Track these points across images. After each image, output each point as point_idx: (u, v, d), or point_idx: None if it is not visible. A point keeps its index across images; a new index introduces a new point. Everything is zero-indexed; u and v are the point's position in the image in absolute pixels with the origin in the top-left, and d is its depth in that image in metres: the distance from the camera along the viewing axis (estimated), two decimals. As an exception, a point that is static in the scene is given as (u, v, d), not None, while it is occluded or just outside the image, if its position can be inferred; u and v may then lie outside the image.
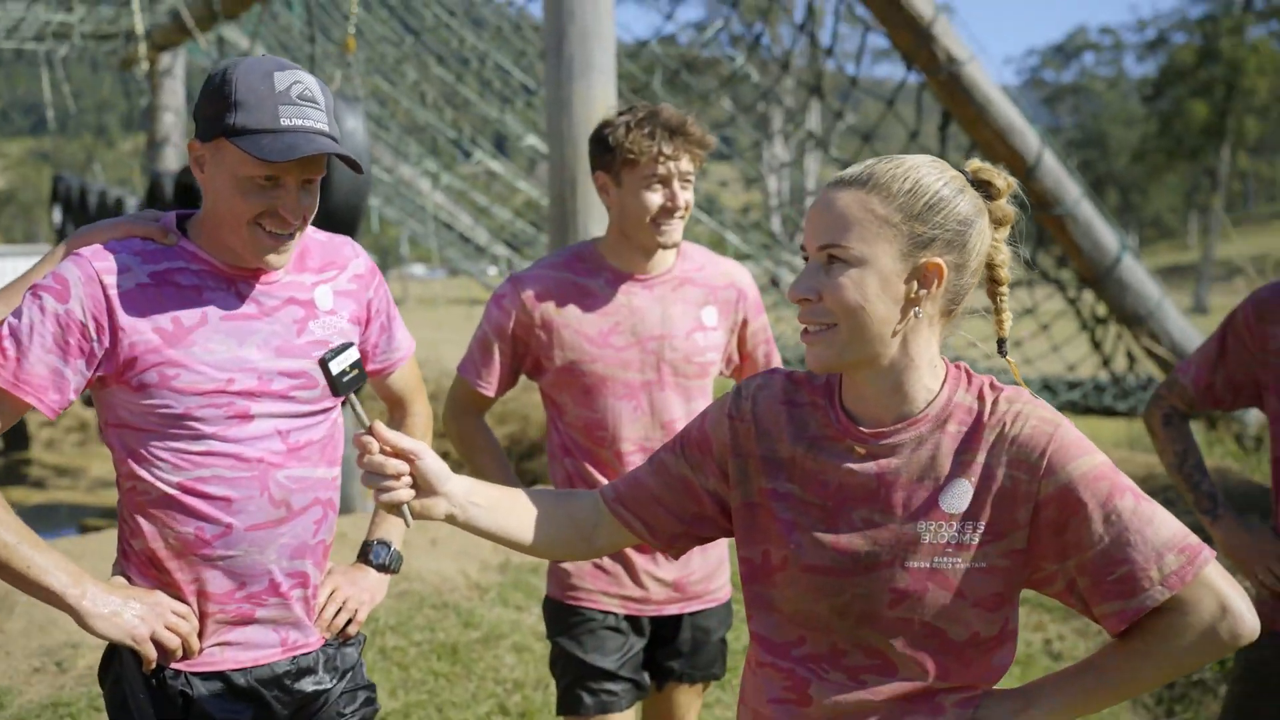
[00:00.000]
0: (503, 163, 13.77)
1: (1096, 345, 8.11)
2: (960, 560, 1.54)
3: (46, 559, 1.89)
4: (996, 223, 1.60)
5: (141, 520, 2.00)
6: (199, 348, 1.95)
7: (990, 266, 1.61)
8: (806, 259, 1.58)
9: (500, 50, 12.63)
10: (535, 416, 11.55)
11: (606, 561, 2.64)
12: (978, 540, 1.54)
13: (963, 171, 1.60)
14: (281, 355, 2.01)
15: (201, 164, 1.98)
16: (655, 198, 2.56)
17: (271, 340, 2.01)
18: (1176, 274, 40.89)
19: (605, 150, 2.59)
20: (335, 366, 1.64)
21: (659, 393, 2.63)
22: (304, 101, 1.92)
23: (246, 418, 1.99)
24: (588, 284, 2.65)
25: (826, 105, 9.22)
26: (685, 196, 2.59)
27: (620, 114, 2.60)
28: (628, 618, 2.67)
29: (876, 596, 1.55)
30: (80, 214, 10.96)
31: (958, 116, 6.70)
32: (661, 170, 2.54)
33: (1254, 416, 7.77)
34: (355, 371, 1.66)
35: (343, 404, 2.11)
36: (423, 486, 1.64)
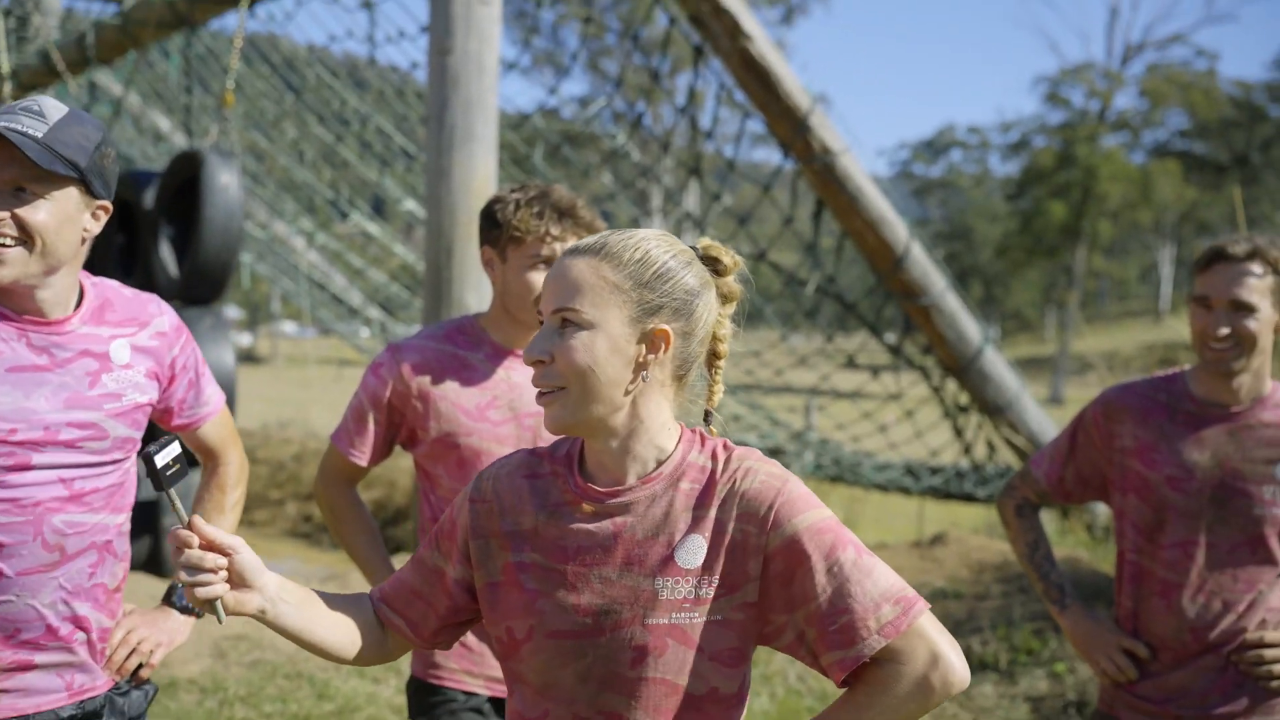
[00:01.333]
0: (380, 225, 13.66)
1: (958, 433, 8.35)
2: (697, 614, 1.59)
3: None
4: (723, 298, 1.69)
5: None
6: None
7: (714, 339, 1.69)
8: (542, 323, 1.64)
9: (382, 113, 12.58)
10: (402, 482, 11.37)
11: (471, 640, 2.59)
12: (713, 594, 1.59)
13: (694, 248, 1.68)
14: (71, 407, 2.01)
15: None
16: (539, 278, 2.53)
17: (61, 391, 2.01)
18: (1034, 365, 42.40)
19: (493, 226, 2.58)
20: (160, 460, 1.62)
21: (532, 469, 2.61)
22: (22, 111, 1.92)
23: (26, 467, 1.97)
24: (468, 357, 2.62)
25: (704, 186, 9.40)
26: None
27: (512, 190, 2.59)
28: (491, 699, 2.62)
29: (618, 657, 1.59)
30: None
31: (830, 205, 6.87)
32: (546, 251, 2.53)
33: (1103, 508, 8.06)
34: (178, 466, 1.65)
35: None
36: (237, 581, 1.63)
